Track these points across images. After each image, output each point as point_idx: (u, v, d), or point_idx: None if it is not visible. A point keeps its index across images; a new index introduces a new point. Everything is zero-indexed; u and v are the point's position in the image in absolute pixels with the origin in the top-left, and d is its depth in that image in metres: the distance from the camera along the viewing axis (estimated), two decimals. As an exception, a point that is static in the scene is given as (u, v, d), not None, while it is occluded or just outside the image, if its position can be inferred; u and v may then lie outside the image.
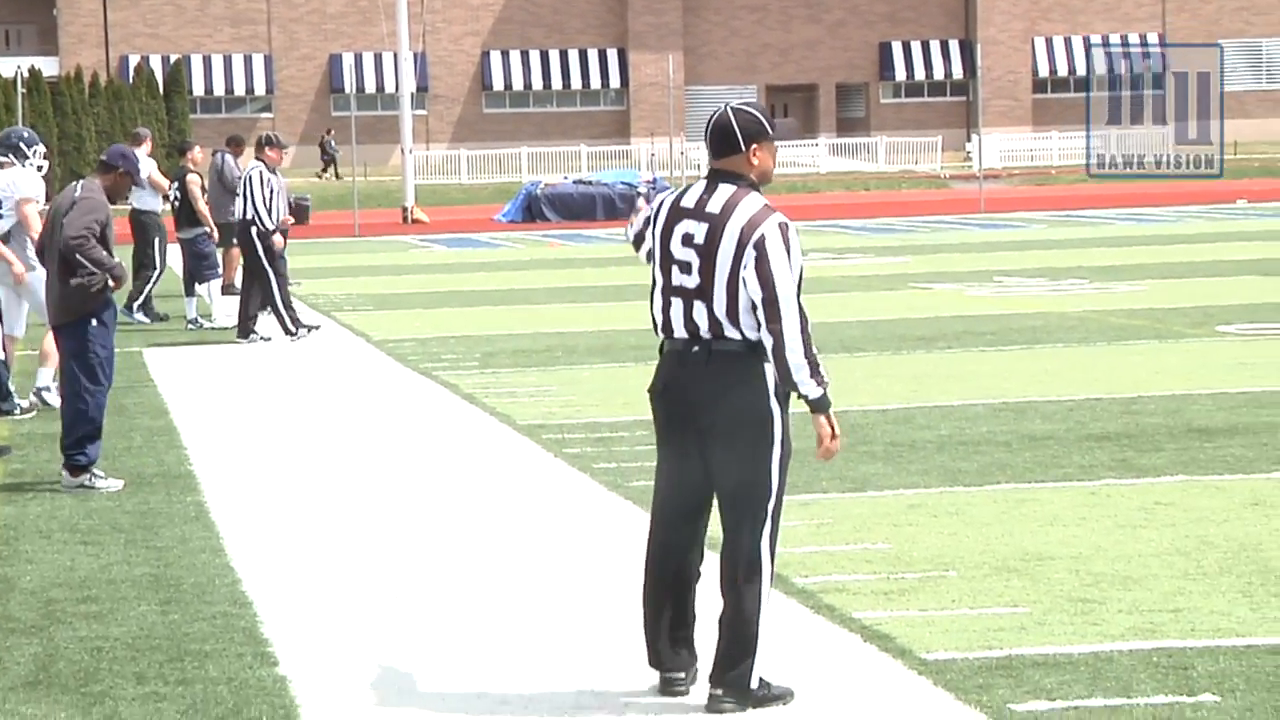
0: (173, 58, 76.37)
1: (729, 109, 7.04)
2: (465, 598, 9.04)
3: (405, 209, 51.54)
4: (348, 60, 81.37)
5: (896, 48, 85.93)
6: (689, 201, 6.98)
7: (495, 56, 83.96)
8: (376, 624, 8.56)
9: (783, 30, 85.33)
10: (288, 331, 21.15)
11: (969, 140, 79.84)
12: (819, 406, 6.86)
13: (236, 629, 8.47)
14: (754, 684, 6.97)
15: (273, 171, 21.39)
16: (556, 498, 11.58)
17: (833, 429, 6.91)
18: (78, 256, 12.24)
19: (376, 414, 15.58)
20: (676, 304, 6.97)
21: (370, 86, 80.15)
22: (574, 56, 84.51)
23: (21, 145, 15.73)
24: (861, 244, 37.28)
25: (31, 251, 15.14)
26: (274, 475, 12.65)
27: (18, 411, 15.51)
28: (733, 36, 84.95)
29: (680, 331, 6.97)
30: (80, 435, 12.29)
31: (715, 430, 6.92)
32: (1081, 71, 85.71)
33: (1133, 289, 24.87)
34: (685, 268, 6.93)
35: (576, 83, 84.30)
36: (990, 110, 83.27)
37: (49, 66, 74.44)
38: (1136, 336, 19.44)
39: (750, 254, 6.80)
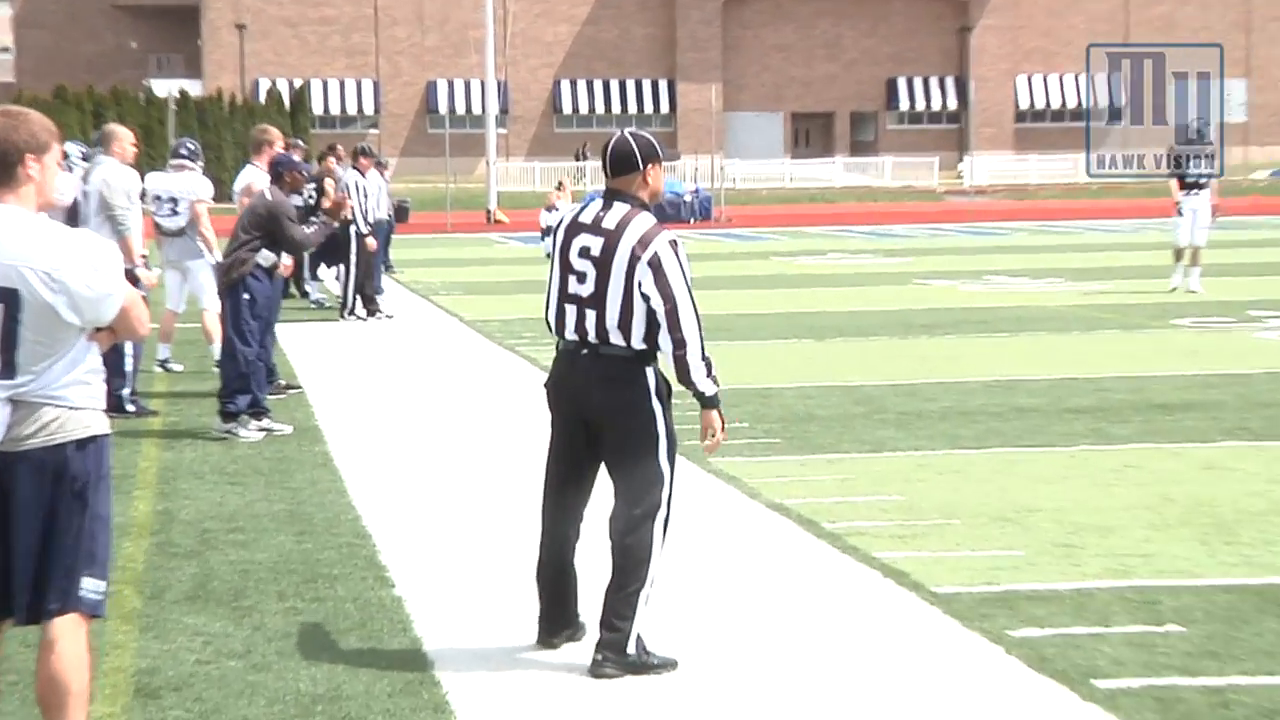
0: (297, 82, 76.38)
1: (627, 133, 6.51)
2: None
3: (489, 211, 51.54)
4: (442, 86, 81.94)
5: (901, 83, 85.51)
6: (586, 218, 6.47)
7: (565, 85, 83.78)
8: (475, 555, 8.56)
9: (806, 67, 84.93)
10: (357, 314, 21.08)
11: (960, 161, 79.58)
12: (711, 403, 6.44)
13: (359, 557, 8.49)
14: (631, 649, 6.43)
15: (365, 176, 21.34)
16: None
17: (722, 423, 6.50)
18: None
19: (469, 382, 15.58)
20: (570, 310, 6.47)
21: (460, 109, 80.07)
22: (630, 86, 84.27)
23: (198, 152, 15.62)
24: (871, 246, 37.13)
25: (200, 243, 15.22)
26: (385, 429, 12.66)
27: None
28: (764, 71, 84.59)
29: (571, 334, 6.49)
30: (233, 389, 12.38)
31: (602, 424, 6.45)
32: (1056, 104, 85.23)
33: (1101, 287, 24.74)
34: (581, 277, 6.43)
35: (633, 108, 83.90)
36: (979, 136, 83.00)
37: (194, 88, 74.57)
38: (1105, 326, 19.34)
39: (646, 270, 6.32)
